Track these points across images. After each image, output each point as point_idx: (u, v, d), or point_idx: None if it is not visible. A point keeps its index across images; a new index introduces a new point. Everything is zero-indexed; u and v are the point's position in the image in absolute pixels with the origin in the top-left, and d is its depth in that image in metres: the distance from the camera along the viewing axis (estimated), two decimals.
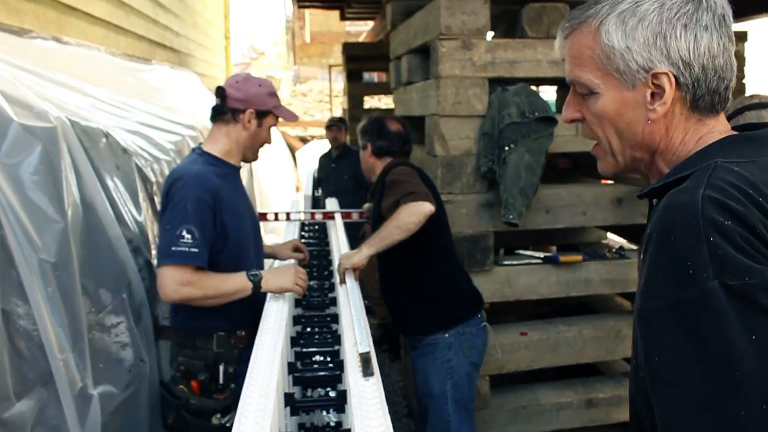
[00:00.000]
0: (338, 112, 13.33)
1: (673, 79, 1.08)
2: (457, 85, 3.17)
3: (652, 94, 1.10)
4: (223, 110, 2.55)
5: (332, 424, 2.04)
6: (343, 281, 2.59)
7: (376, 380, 1.71)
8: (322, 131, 14.94)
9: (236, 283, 2.37)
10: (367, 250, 2.66)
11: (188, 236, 2.26)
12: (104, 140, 2.58)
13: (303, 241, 3.47)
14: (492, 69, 3.21)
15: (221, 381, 2.47)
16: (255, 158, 2.72)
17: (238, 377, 2.45)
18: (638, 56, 1.08)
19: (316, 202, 5.95)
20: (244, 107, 2.52)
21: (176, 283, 2.25)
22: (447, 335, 2.85)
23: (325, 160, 6.51)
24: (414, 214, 2.62)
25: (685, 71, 1.07)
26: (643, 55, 1.08)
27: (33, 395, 1.82)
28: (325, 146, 7.86)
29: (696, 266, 0.92)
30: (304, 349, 2.23)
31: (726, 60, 1.09)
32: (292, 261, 2.89)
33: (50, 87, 2.71)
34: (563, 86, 4.54)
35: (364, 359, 1.73)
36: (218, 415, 2.37)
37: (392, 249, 2.72)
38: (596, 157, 1.25)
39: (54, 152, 2.11)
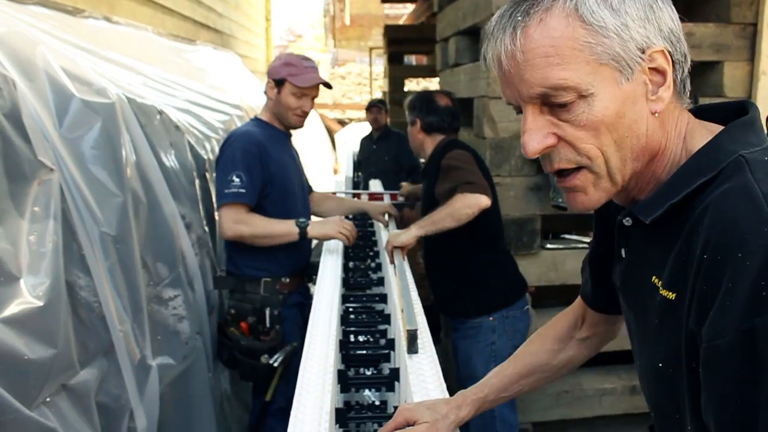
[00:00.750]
0: (377, 95, 13.32)
1: (669, 57, 0.89)
2: None
3: (651, 81, 0.89)
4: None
5: (377, 403, 2.06)
6: (392, 260, 2.61)
7: (432, 358, 1.72)
8: (361, 114, 14.96)
9: (284, 226, 2.70)
10: (416, 231, 2.66)
11: (237, 180, 2.61)
12: (158, 117, 2.62)
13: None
14: None
15: (267, 323, 2.75)
16: (294, 124, 2.97)
17: (282, 320, 2.78)
18: (636, 33, 0.86)
19: (356, 185, 5.96)
20: (267, 78, 2.92)
21: (231, 221, 2.60)
22: (491, 318, 2.84)
23: (366, 142, 6.51)
24: (469, 205, 2.61)
25: (676, 45, 0.90)
26: (640, 31, 0.87)
27: (95, 364, 1.86)
28: (364, 129, 7.86)
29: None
30: (352, 328, 2.25)
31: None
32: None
33: (104, 65, 2.75)
34: None
35: (411, 336, 1.74)
36: (266, 356, 2.62)
37: (443, 236, 2.73)
38: (573, 190, 0.95)
39: (113, 127, 2.15)
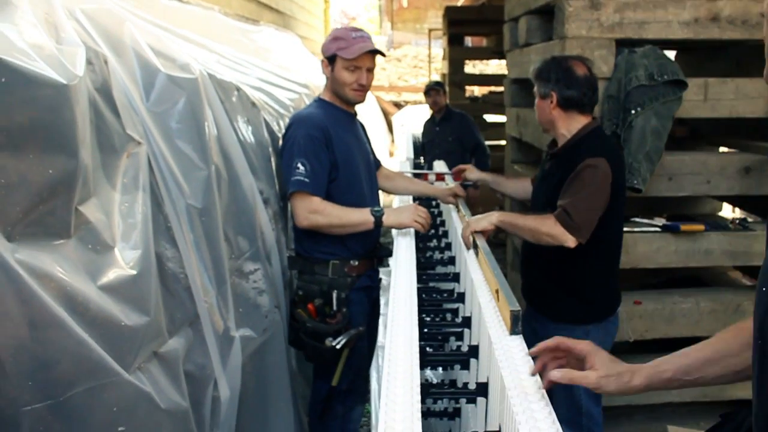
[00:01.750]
0: (435, 78, 13.24)
1: None
2: (583, 46, 3.09)
3: None
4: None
5: (446, 382, 2.07)
6: (469, 246, 2.50)
7: (520, 338, 1.72)
8: (417, 96, 14.91)
9: (360, 215, 2.68)
10: (497, 219, 2.56)
11: (301, 167, 2.59)
12: (236, 94, 2.65)
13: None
14: (620, 30, 3.10)
15: (334, 306, 2.74)
16: (353, 99, 2.90)
17: (349, 303, 2.77)
18: None
19: (419, 169, 5.95)
20: (321, 59, 2.90)
21: (305, 210, 2.60)
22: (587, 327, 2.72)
23: (428, 125, 6.51)
24: (552, 236, 2.49)
25: None
26: None
27: (182, 334, 1.91)
28: (421, 112, 7.84)
29: None
30: (426, 307, 2.26)
31: None
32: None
33: (180, 42, 2.79)
34: (685, 50, 4.36)
35: (514, 317, 1.72)
36: (330, 339, 2.60)
37: None
38: None
39: (197, 102, 2.19)
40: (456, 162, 5.21)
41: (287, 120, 3.15)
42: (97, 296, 1.53)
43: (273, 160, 2.77)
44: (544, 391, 1.43)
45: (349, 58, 2.76)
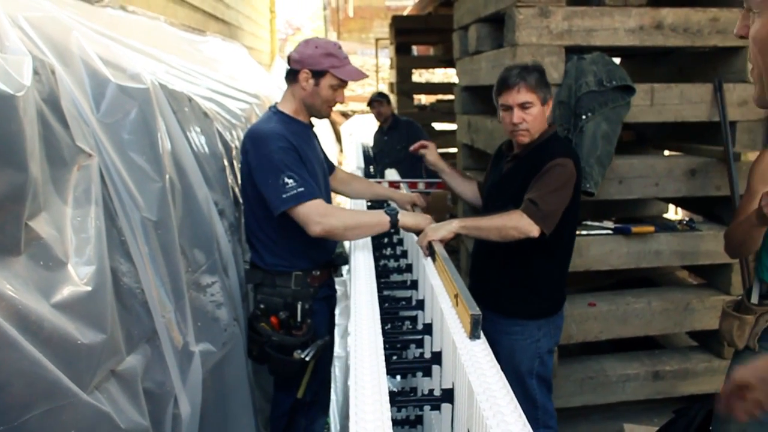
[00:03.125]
0: (382, 87, 13.26)
1: None
2: (534, 53, 3.13)
3: None
4: (289, 72, 2.77)
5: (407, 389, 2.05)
6: (426, 254, 2.48)
7: (484, 342, 1.72)
8: (364, 106, 14.90)
9: (375, 217, 2.59)
10: (457, 227, 2.54)
11: (290, 181, 2.46)
12: (188, 104, 2.61)
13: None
14: (569, 37, 3.16)
15: (299, 317, 2.67)
16: (325, 115, 2.87)
17: (313, 314, 2.70)
18: None
19: (370, 178, 5.95)
20: (299, 68, 2.70)
21: (317, 215, 2.46)
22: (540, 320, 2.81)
23: (377, 135, 6.52)
24: (518, 229, 2.51)
25: None
26: None
27: (140, 351, 1.86)
28: (369, 121, 7.82)
29: None
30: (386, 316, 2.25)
31: None
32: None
33: (128, 53, 2.73)
34: (630, 56, 4.46)
35: (474, 321, 1.72)
36: (299, 351, 2.55)
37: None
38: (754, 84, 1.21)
39: (149, 113, 2.14)
40: (407, 169, 5.24)
41: (240, 131, 3.12)
42: (51, 314, 1.47)
43: (227, 170, 2.72)
44: (512, 396, 1.43)
45: (344, 79, 2.73)
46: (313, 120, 2.88)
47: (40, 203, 1.60)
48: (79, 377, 1.49)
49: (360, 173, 5.71)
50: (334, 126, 11.88)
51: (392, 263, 3.12)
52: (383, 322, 2.22)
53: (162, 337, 1.92)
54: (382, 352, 1.67)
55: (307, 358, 2.56)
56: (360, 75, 2.79)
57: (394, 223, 2.54)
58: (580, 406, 3.61)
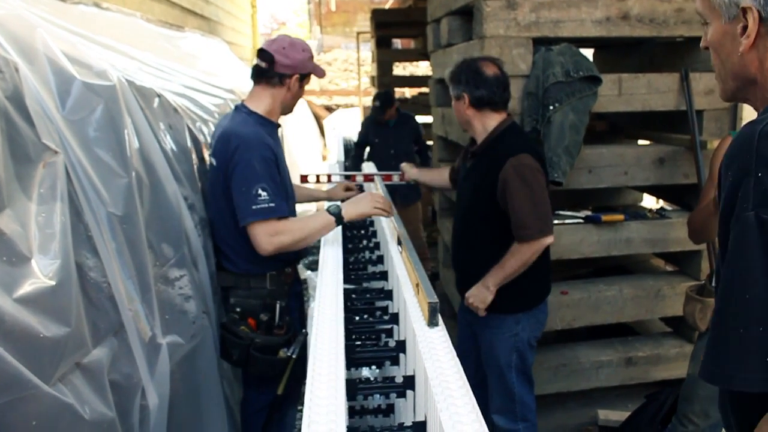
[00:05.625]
0: (365, 80, 13.27)
1: (756, 14, 1.18)
2: (502, 45, 3.17)
3: (744, 28, 1.20)
4: (271, 74, 2.73)
5: (378, 379, 2.09)
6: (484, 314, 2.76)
7: (443, 329, 1.75)
8: (348, 99, 14.93)
9: (320, 220, 2.57)
10: (493, 288, 2.71)
11: (264, 194, 2.46)
12: (157, 100, 2.62)
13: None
14: (536, 29, 3.20)
15: (278, 317, 2.69)
16: (290, 112, 2.92)
17: (290, 311, 2.73)
18: None
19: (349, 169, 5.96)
20: (291, 72, 2.73)
21: (267, 235, 2.47)
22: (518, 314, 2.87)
23: (378, 128, 6.18)
24: (538, 251, 2.68)
25: (765, 6, 1.18)
26: None
27: (106, 343, 1.88)
28: (352, 114, 7.80)
29: (743, 196, 1.08)
30: (352, 305, 2.28)
31: None
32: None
33: (99, 50, 2.75)
34: (602, 47, 4.51)
35: (432, 308, 1.76)
36: (284, 349, 2.57)
37: (483, 227, 2.80)
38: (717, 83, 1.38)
39: (115, 109, 2.16)
40: (413, 160, 5.30)
41: (211, 126, 3.13)
42: (13, 309, 1.50)
43: (197, 165, 2.74)
44: (465, 381, 1.47)
45: (320, 78, 2.85)
46: (299, 114, 2.96)
47: (4, 200, 1.62)
48: (42, 370, 1.52)
49: (339, 167, 5.73)
50: (318, 120, 11.88)
51: (368, 255, 3.15)
52: (359, 312, 2.27)
53: (129, 330, 1.94)
54: (341, 342, 1.71)
55: (294, 355, 2.57)
56: (324, 72, 2.93)
57: (339, 219, 2.57)
58: (555, 394, 3.66)
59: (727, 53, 1.26)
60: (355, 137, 6.94)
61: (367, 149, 6.34)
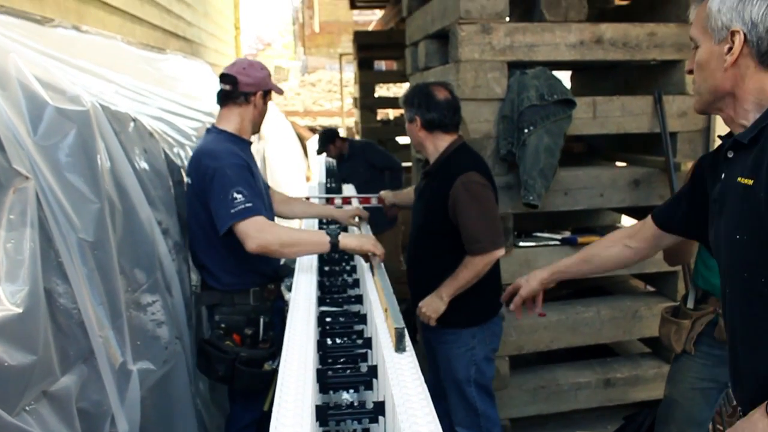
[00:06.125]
0: (348, 102, 13.32)
1: (742, 36, 1.40)
2: (477, 69, 3.20)
3: (729, 48, 1.42)
4: (236, 95, 2.85)
5: (355, 403, 2.08)
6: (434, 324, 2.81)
7: (411, 354, 1.76)
8: (332, 121, 14.98)
9: (314, 236, 2.61)
10: (446, 297, 2.77)
11: (239, 196, 2.50)
12: (132, 124, 2.62)
13: (322, 227, 3.57)
14: (511, 53, 3.23)
15: (262, 332, 2.74)
16: (258, 130, 3.04)
17: (273, 327, 2.77)
18: (723, 16, 1.42)
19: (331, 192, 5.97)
20: (255, 90, 2.86)
21: (254, 230, 2.48)
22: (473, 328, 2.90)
23: (337, 165, 6.34)
24: (490, 262, 2.76)
25: (752, 30, 1.39)
26: (727, 15, 1.41)
27: (75, 371, 1.87)
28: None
29: None
30: (329, 329, 2.28)
31: None
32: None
33: (75, 73, 2.75)
34: (577, 70, 4.56)
35: (399, 334, 1.77)
36: (270, 362, 2.60)
37: (436, 243, 2.85)
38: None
39: (88, 135, 2.15)
40: (376, 187, 5.33)
41: (188, 149, 3.13)
42: None
43: (173, 189, 2.74)
44: (431, 409, 1.47)
45: (278, 93, 3.00)
46: (282, 135, 3.01)
47: None
48: (6, 399, 1.50)
49: (320, 189, 5.73)
50: (302, 141, 11.90)
51: (347, 278, 3.15)
52: (335, 336, 2.27)
53: (99, 357, 1.93)
54: (310, 368, 1.70)
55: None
56: (282, 90, 3.12)
57: (335, 244, 2.54)
58: (535, 416, 3.66)
59: (711, 70, 1.47)
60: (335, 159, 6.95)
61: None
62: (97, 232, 2.02)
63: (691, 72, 1.56)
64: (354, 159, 6.23)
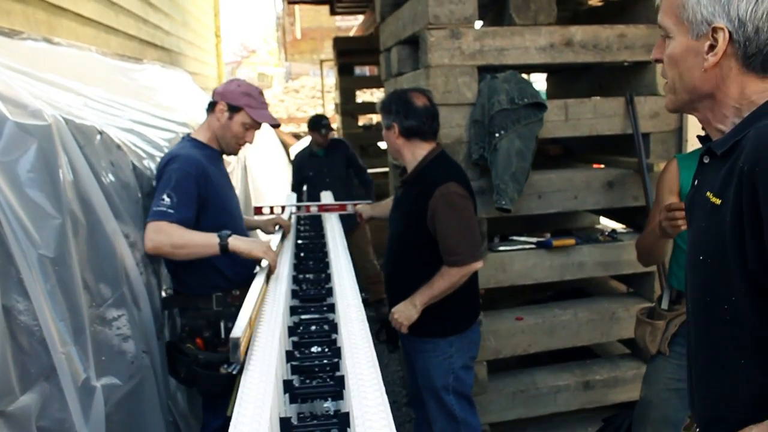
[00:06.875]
0: (330, 108, 13.31)
1: (727, 35, 1.23)
2: (447, 74, 3.20)
3: (711, 46, 1.25)
4: (209, 104, 2.94)
5: (331, 412, 2.07)
6: (406, 331, 2.80)
7: (374, 366, 1.74)
8: None
9: (204, 238, 2.61)
10: (420, 305, 2.76)
11: (167, 199, 2.57)
12: (98, 137, 2.60)
13: (300, 233, 3.57)
14: (481, 57, 3.24)
15: (223, 336, 2.76)
16: (232, 152, 3.02)
17: None
18: (704, 9, 1.24)
19: (301, 199, 5.98)
20: (220, 99, 2.90)
21: (151, 231, 2.55)
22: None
23: (312, 158, 6.26)
24: (467, 274, 2.75)
25: (739, 29, 1.22)
26: (709, 8, 1.24)
27: (36, 389, 1.85)
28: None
29: None
30: (303, 339, 2.27)
31: None
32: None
33: (42, 87, 2.73)
34: (552, 73, 4.57)
35: (233, 344, 1.81)
36: (225, 366, 2.55)
37: (413, 253, 2.84)
38: (666, 94, 1.42)
39: (50, 149, 2.13)
40: (345, 190, 5.30)
41: (158, 161, 3.11)
42: None
43: (141, 202, 2.72)
44: (390, 420, 1.46)
45: (256, 120, 2.90)
46: (265, 142, 3.00)
47: None
48: None
49: (290, 200, 5.70)
50: (286, 147, 11.87)
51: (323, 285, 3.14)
52: (316, 345, 2.25)
53: (61, 373, 1.91)
54: (272, 379, 1.69)
55: (234, 372, 2.58)
56: (272, 119, 2.99)
57: (224, 245, 2.58)
58: (516, 420, 3.65)
59: (688, 68, 1.30)
60: None
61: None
62: (58, 247, 2.00)
63: (658, 61, 1.40)
64: (334, 153, 6.20)
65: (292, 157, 8.88)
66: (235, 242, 2.60)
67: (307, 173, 6.19)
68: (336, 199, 4.27)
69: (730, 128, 1.30)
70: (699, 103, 1.34)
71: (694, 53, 1.28)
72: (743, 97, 1.27)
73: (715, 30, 1.23)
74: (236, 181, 5.48)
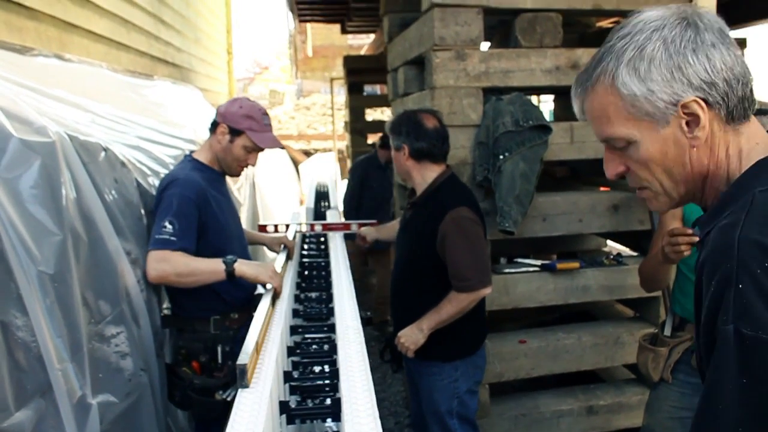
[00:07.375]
0: (340, 126, 13.37)
1: (702, 103, 1.12)
2: (452, 96, 3.21)
3: (688, 123, 1.14)
4: (212, 124, 2.92)
5: None
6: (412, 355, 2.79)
7: (369, 390, 1.74)
8: (326, 144, 15.03)
9: (209, 265, 2.58)
10: (427, 330, 2.74)
11: (170, 227, 2.53)
12: (103, 154, 2.61)
13: (304, 251, 3.57)
14: (486, 79, 3.24)
15: (220, 360, 2.72)
16: (233, 174, 2.98)
17: (234, 356, 2.63)
18: (662, 94, 1.12)
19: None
20: (221, 120, 2.86)
21: (154, 260, 2.51)
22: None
23: (378, 172, 6.15)
24: (475, 300, 2.73)
25: (711, 91, 1.12)
26: (666, 91, 1.12)
27: (31, 405, 1.84)
28: (327, 159, 7.78)
29: (725, 308, 1.02)
30: (303, 359, 2.26)
31: (741, 65, 1.14)
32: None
33: (49, 103, 2.75)
34: (560, 94, 4.57)
35: (240, 371, 1.78)
36: (220, 392, 2.57)
37: (421, 276, 2.83)
38: (645, 199, 1.27)
39: (53, 166, 2.15)
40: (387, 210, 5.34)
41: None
42: None
43: (145, 219, 2.73)
44: None
45: (258, 144, 2.83)
46: (274, 159, 2.98)
47: None
48: None
49: (309, 214, 5.72)
50: (296, 164, 11.92)
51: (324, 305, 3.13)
52: (309, 364, 2.25)
53: (57, 390, 1.91)
54: (266, 400, 1.68)
55: (229, 399, 2.56)
56: (275, 144, 2.92)
57: (230, 272, 2.57)
58: None
59: (673, 160, 1.17)
60: (327, 182, 6.94)
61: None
62: (58, 264, 2.00)
63: (621, 176, 1.26)
64: (390, 168, 6.17)
65: (350, 166, 8.88)
66: (242, 267, 2.58)
67: (371, 184, 6.16)
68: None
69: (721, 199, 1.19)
70: (696, 190, 1.21)
71: (673, 141, 1.15)
72: (727, 156, 1.17)
73: (685, 106, 1.12)
74: (244, 197, 5.50)
